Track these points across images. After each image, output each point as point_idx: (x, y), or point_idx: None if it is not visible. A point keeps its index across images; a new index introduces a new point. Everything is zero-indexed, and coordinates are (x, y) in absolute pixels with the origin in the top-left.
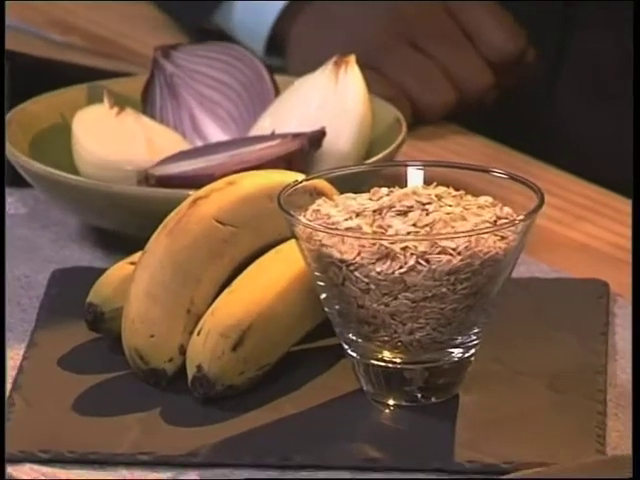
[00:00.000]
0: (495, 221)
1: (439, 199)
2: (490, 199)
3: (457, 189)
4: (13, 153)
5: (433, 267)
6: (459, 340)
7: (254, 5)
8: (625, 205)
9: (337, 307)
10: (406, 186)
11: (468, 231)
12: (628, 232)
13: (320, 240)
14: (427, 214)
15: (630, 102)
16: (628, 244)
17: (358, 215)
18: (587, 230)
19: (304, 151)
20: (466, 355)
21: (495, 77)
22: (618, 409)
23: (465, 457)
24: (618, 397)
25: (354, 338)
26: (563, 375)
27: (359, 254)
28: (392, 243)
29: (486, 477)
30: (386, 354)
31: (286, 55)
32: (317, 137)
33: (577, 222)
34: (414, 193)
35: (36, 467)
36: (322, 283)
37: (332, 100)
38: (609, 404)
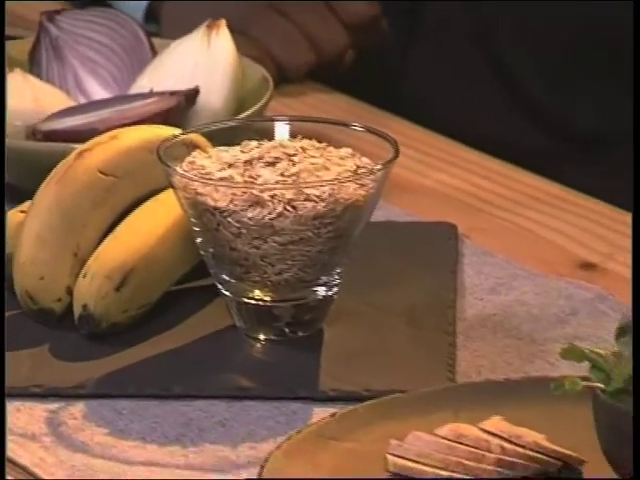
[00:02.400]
0: (355, 170)
1: (304, 151)
2: (350, 150)
3: (320, 142)
4: None
5: (299, 213)
6: (323, 279)
7: None
8: (472, 155)
9: (211, 250)
10: (274, 139)
11: (331, 180)
12: (474, 179)
13: (195, 189)
14: (293, 164)
15: (479, 64)
16: (474, 190)
17: (230, 166)
18: (438, 178)
19: (180, 107)
20: (330, 293)
21: (351, 38)
22: (467, 341)
23: (329, 386)
24: (467, 330)
25: (227, 278)
26: (417, 310)
27: (231, 201)
28: (262, 191)
29: (347, 403)
30: (257, 293)
31: (161, 23)
32: (192, 94)
33: (429, 170)
34: (281, 145)
35: None
36: (198, 228)
37: (205, 60)
38: (459, 336)
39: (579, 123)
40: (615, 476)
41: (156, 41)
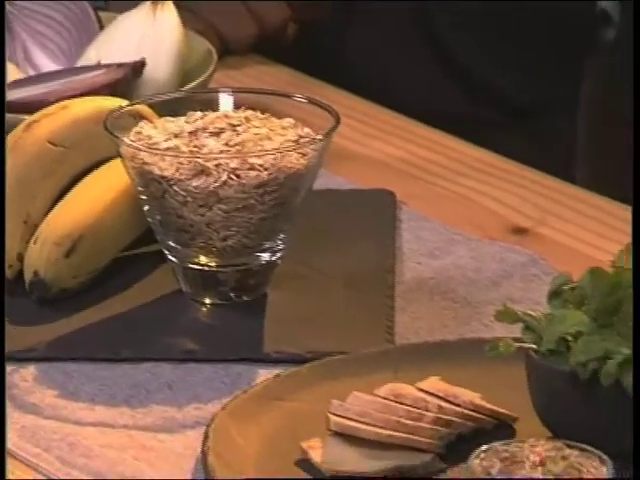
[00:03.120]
0: (297, 140)
1: (247, 121)
2: (292, 121)
3: (263, 112)
4: None
5: (243, 181)
6: (267, 245)
7: None
8: (410, 124)
9: (158, 218)
10: (218, 110)
11: (274, 149)
12: (412, 148)
13: (142, 159)
14: (237, 135)
15: (414, 36)
16: (412, 158)
17: (176, 136)
18: (377, 147)
19: (127, 79)
20: (273, 258)
21: (293, 12)
22: (405, 304)
23: (272, 348)
24: (405, 293)
25: (174, 245)
26: (357, 275)
27: (177, 170)
28: (206, 161)
29: (290, 365)
30: (202, 259)
31: None
32: (138, 67)
33: (368, 140)
34: (225, 116)
35: None
36: (145, 197)
37: (151, 34)
38: (397, 299)
39: (510, 92)
40: (546, 431)
41: (103, 15)
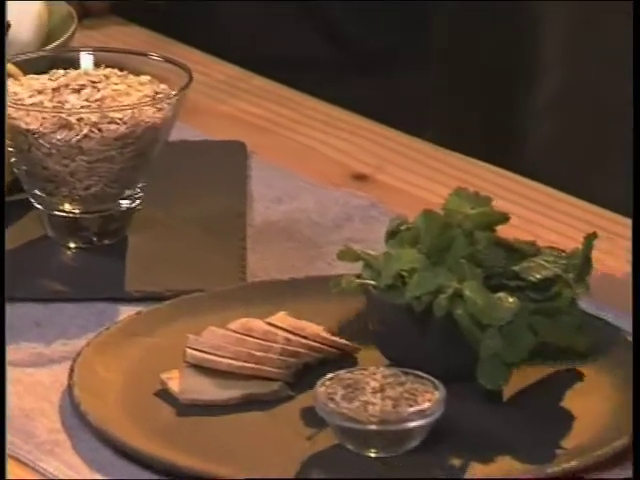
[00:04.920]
0: (154, 96)
1: (107, 78)
2: (149, 78)
3: (121, 70)
4: None
5: (104, 134)
6: (127, 193)
7: None
8: (259, 81)
9: (25, 169)
10: (79, 68)
11: (132, 104)
12: (262, 102)
13: (9, 114)
14: (98, 91)
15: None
16: (261, 112)
17: (40, 92)
18: (229, 102)
19: None
20: (133, 205)
21: None
22: (256, 245)
23: (133, 287)
24: (255, 235)
25: (40, 194)
26: (212, 219)
27: (42, 125)
28: (69, 115)
29: (151, 303)
30: (67, 206)
31: None
32: (4, 28)
33: (222, 96)
34: (86, 74)
35: None
36: (12, 149)
37: None
38: (249, 241)
39: (365, 38)
40: (384, 360)
41: None
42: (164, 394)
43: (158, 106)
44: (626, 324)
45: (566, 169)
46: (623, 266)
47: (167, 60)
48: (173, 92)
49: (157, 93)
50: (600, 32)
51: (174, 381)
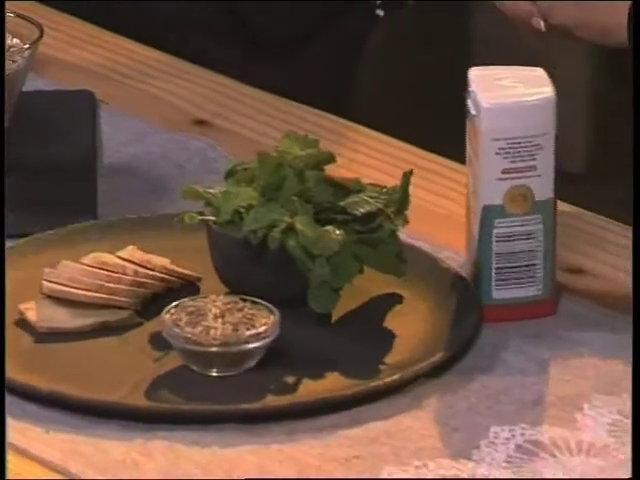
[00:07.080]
0: (8, 49)
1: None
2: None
3: None
4: None
5: None
6: None
7: None
8: (105, 34)
9: None
10: None
11: None
12: (109, 55)
13: None
14: None
15: None
16: (109, 64)
17: None
18: (80, 55)
19: None
20: None
21: None
22: (107, 186)
23: None
24: (106, 176)
25: None
26: (64, 162)
27: None
28: None
29: (9, 240)
30: None
31: None
32: None
33: (70, 48)
34: None
35: None
36: None
37: None
38: (99, 181)
39: (269, 27)
40: (225, 289)
41: None
42: (22, 323)
43: (12, 59)
44: (441, 254)
45: (388, 115)
46: (438, 200)
47: (18, 15)
48: (25, 45)
49: (10, 47)
50: None
51: (31, 311)
